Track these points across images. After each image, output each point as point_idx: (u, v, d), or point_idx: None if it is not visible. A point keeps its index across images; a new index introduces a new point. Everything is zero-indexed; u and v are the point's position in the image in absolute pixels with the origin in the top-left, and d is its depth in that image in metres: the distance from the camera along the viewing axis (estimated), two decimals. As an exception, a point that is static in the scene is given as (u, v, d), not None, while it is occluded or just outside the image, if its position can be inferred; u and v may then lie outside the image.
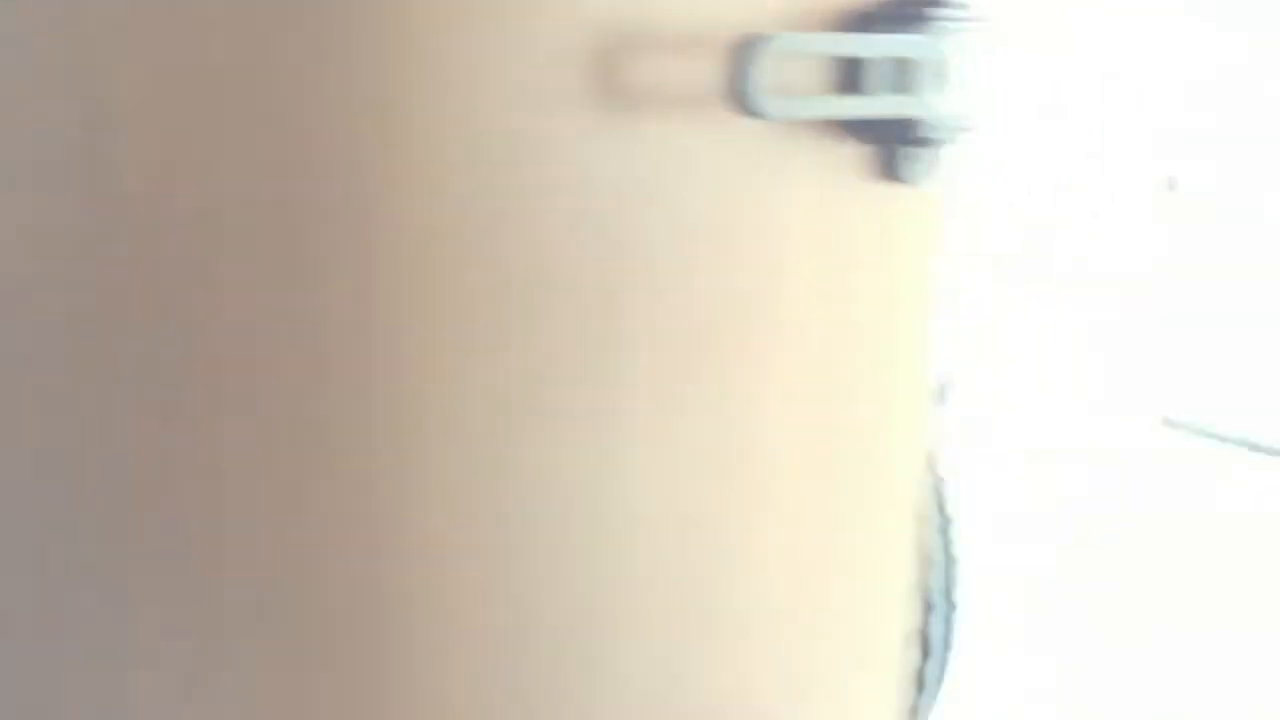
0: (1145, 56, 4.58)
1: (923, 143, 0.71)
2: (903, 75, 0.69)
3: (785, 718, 0.75)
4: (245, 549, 0.64)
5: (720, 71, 0.64)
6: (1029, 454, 4.15)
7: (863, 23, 0.70)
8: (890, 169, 0.72)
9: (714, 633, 0.71)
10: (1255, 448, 4.42)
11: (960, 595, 1.66)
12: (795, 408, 0.71)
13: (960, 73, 0.71)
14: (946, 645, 1.66)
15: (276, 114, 0.60)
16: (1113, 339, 4.76)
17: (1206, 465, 4.35)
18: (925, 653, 1.63)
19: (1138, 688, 2.71)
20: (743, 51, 0.62)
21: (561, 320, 0.64)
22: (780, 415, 0.71)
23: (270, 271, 0.61)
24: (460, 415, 0.63)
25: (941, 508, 1.62)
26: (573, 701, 0.68)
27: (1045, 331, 4.82)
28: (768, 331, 0.70)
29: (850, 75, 0.69)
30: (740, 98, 0.62)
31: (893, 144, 0.72)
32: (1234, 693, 2.72)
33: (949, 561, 1.63)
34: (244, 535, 0.63)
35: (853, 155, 0.71)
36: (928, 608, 1.62)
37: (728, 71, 0.62)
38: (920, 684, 1.68)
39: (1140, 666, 2.81)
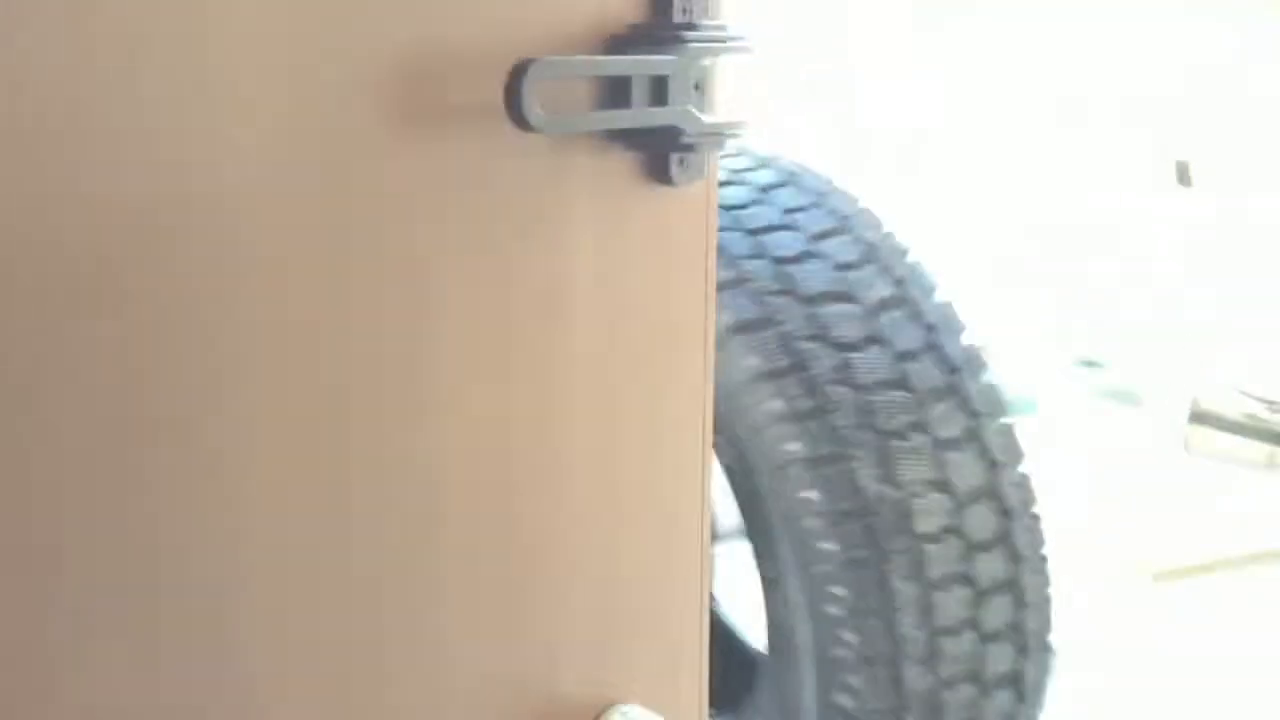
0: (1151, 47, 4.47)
1: (687, 149, 0.79)
2: (664, 89, 0.77)
3: (596, 647, 0.83)
4: (92, 541, 0.66)
5: (500, 91, 0.70)
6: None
7: (625, 44, 0.78)
8: (659, 173, 0.80)
9: (530, 574, 0.79)
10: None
11: (1055, 639, 1.51)
12: (587, 382, 0.79)
13: (718, 85, 0.80)
14: (1040, 690, 1.48)
15: (78, 115, 0.62)
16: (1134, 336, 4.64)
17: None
18: (1020, 697, 1.45)
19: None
20: (517, 73, 0.69)
21: (376, 315, 0.70)
22: (572, 390, 0.79)
23: (77, 276, 0.63)
24: (290, 406, 0.68)
25: (1038, 547, 1.47)
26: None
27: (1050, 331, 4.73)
28: (559, 320, 0.78)
29: (618, 90, 0.76)
30: (516, 115, 0.69)
31: (660, 151, 0.79)
32: None
33: (1044, 603, 1.47)
34: (91, 529, 0.65)
35: (625, 162, 0.79)
36: (1023, 651, 1.44)
37: (505, 92, 0.69)
38: (1013, 732, 1.60)
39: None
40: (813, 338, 1.43)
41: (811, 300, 1.45)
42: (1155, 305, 4.73)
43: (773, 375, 1.42)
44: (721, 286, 1.47)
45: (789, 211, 1.53)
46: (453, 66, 0.71)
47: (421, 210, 0.71)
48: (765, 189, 1.56)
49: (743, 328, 1.44)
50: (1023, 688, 1.44)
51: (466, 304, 0.74)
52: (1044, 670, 1.46)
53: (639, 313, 0.81)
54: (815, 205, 1.54)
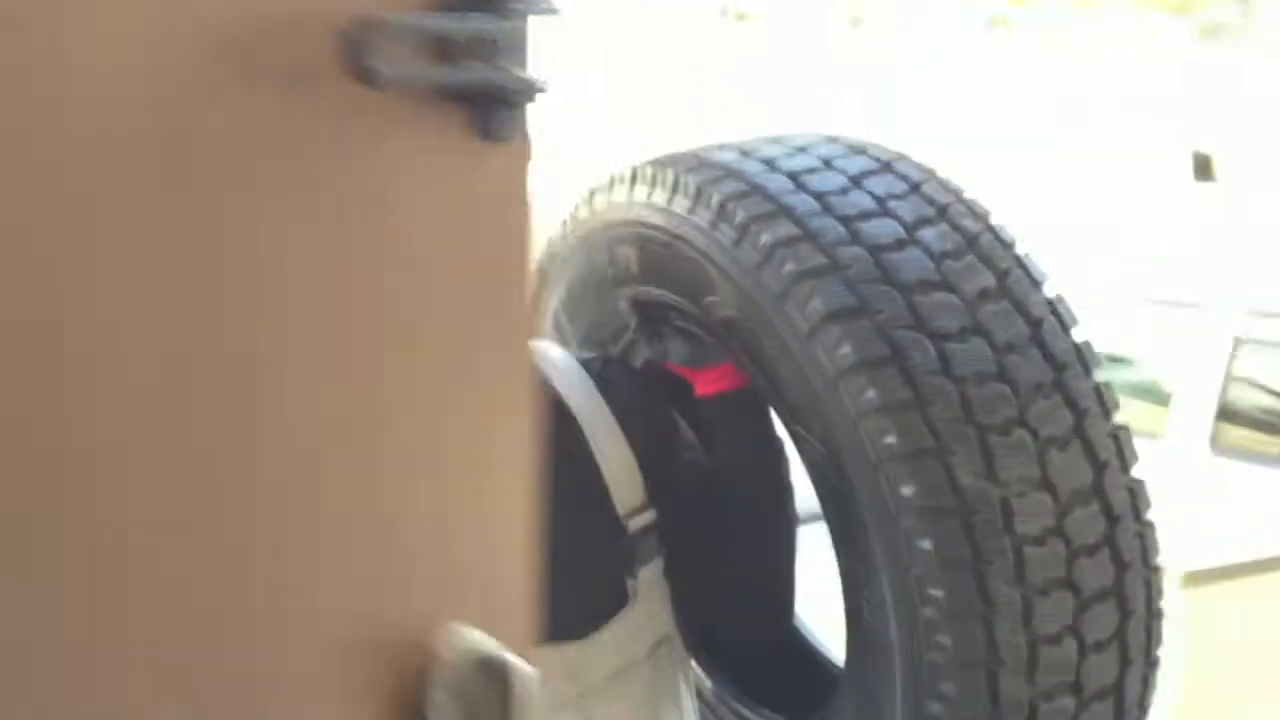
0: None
1: (510, 105, 0.82)
2: (488, 49, 0.79)
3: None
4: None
5: (339, 48, 0.72)
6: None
7: (452, 6, 0.79)
8: (485, 129, 0.82)
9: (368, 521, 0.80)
10: None
11: (1162, 651, 1.33)
12: (422, 324, 0.81)
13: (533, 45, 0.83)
14: (1143, 707, 1.33)
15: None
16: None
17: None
18: (1118, 712, 1.31)
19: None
20: (364, 30, 0.72)
21: (217, 270, 0.71)
22: (410, 332, 0.81)
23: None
24: (126, 363, 0.69)
25: (1147, 557, 1.31)
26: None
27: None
28: (398, 267, 0.80)
29: (445, 51, 0.79)
30: (362, 70, 0.72)
31: (486, 108, 0.81)
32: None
33: (1151, 615, 1.31)
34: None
35: (454, 119, 0.81)
36: (1125, 663, 1.29)
37: (345, 47, 0.71)
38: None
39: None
40: (910, 327, 1.31)
41: (909, 289, 1.33)
42: (1180, 299, 4.60)
43: (868, 365, 1.31)
44: (813, 274, 1.35)
45: (883, 199, 1.41)
46: (291, 26, 0.73)
47: (264, 167, 0.73)
48: (858, 176, 1.44)
49: (836, 316, 1.32)
50: (1123, 702, 1.32)
51: (307, 254, 0.76)
52: (1146, 685, 1.34)
53: (470, 258, 0.84)
54: (911, 193, 1.42)
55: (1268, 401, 4.46)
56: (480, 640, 0.78)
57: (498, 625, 0.82)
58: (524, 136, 0.84)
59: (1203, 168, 5.95)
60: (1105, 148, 4.73)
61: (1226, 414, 4.37)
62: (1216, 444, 4.34)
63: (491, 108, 0.82)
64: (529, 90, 0.83)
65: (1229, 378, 4.36)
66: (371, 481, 0.80)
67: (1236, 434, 4.37)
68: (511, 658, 0.78)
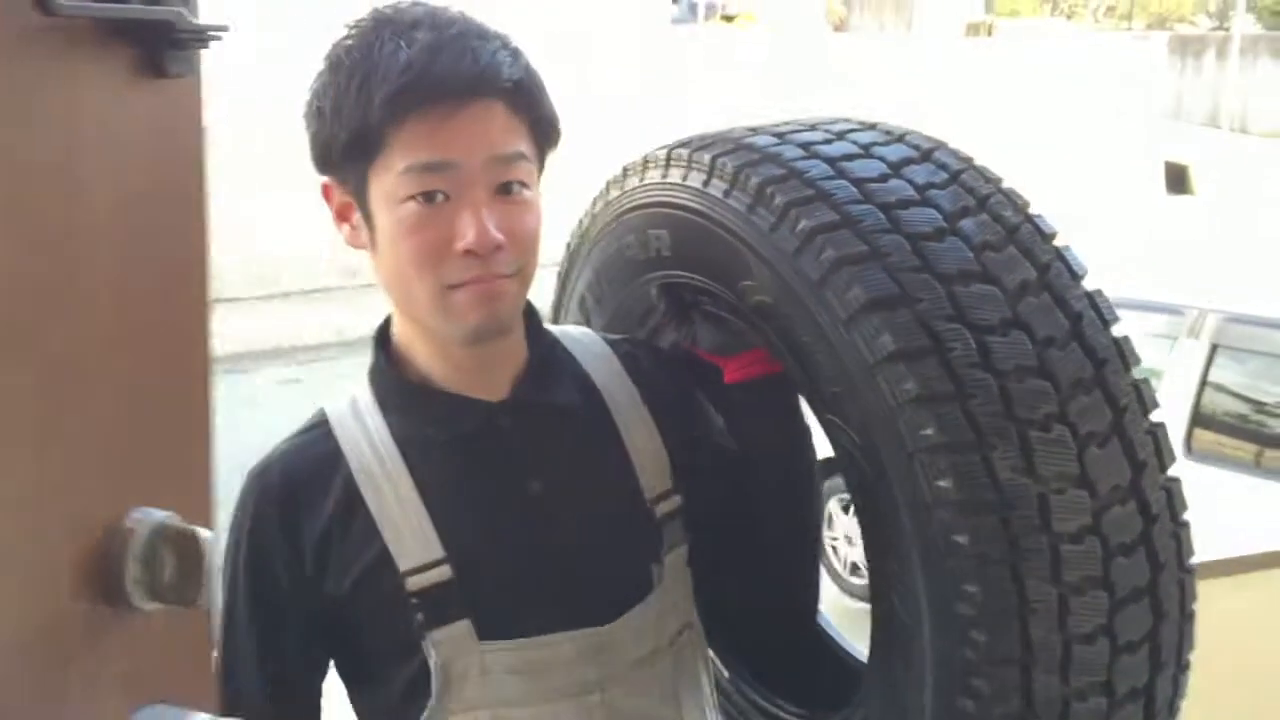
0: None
1: (179, 45, 0.86)
2: None
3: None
4: None
5: None
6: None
7: None
8: (155, 67, 0.86)
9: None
10: None
11: (1192, 654, 1.28)
12: (101, 242, 0.86)
13: None
14: (1172, 709, 1.28)
15: None
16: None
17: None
18: (1148, 714, 1.25)
19: None
20: None
21: None
22: (91, 247, 0.85)
23: None
24: None
25: (1182, 558, 1.26)
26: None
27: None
28: (71, 194, 0.84)
29: None
30: None
31: (156, 46, 0.85)
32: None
33: (1184, 617, 1.26)
34: None
35: (125, 54, 0.85)
36: (1157, 665, 1.23)
37: None
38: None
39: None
40: (951, 318, 1.26)
41: (949, 279, 1.28)
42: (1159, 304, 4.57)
43: (908, 355, 1.25)
44: (853, 261, 1.29)
45: (923, 187, 1.36)
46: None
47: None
48: (898, 164, 1.38)
49: (875, 304, 1.27)
50: (1153, 704, 1.27)
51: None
52: (1176, 687, 1.29)
53: (143, 188, 0.88)
54: (951, 182, 1.37)
55: (1240, 408, 4.45)
56: (166, 516, 0.85)
57: (181, 505, 0.89)
58: (195, 75, 0.89)
59: (1177, 179, 5.89)
60: (1084, 153, 4.71)
61: (1201, 419, 4.35)
62: (1191, 449, 4.32)
63: (161, 46, 0.87)
64: (196, 33, 0.87)
65: (1204, 384, 4.34)
66: (62, 386, 0.84)
67: (1210, 439, 4.36)
68: (195, 528, 0.85)
